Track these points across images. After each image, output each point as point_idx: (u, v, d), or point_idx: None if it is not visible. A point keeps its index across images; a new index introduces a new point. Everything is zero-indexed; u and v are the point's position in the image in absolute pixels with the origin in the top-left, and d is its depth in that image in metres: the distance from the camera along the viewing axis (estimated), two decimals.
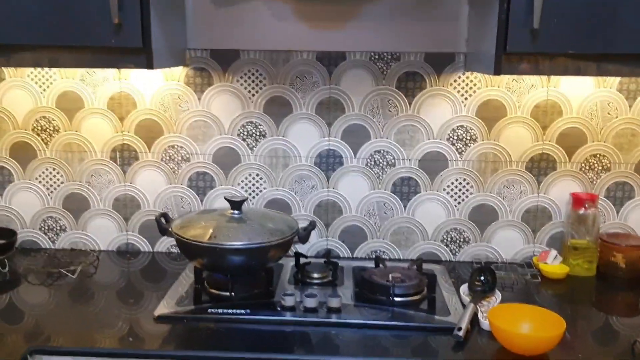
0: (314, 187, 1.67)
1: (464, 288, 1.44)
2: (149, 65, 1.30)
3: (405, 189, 1.65)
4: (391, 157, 1.64)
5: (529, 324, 1.20)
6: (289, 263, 1.58)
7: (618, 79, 1.55)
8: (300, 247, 1.59)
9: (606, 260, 1.58)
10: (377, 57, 1.59)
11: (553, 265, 1.58)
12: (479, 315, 1.29)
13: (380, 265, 1.54)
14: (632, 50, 1.24)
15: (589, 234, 1.57)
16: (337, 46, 1.58)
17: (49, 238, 1.73)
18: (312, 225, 1.47)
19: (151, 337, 1.22)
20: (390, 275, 1.42)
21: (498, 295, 1.40)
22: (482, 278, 1.45)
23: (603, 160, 1.61)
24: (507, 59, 1.27)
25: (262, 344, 1.20)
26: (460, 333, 1.20)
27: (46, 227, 1.72)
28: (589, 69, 1.29)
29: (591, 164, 1.61)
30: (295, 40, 1.58)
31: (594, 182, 1.62)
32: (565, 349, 1.17)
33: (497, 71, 1.29)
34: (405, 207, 1.66)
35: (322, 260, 1.56)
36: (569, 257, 1.59)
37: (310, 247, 1.68)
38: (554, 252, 1.59)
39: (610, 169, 1.61)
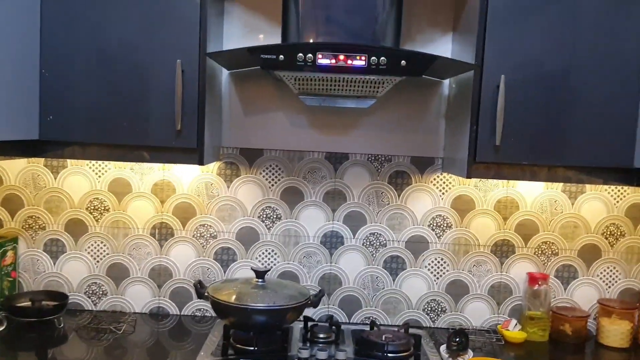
0: (319, 262, 2.01)
1: (443, 347, 1.77)
2: (200, 162, 1.67)
3: (394, 265, 2.01)
4: (383, 239, 2.00)
5: None
6: (297, 325, 1.89)
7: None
8: (307, 312, 1.92)
9: (557, 328, 1.94)
10: (373, 158, 1.99)
11: (514, 332, 1.93)
12: None
13: (375, 328, 1.87)
14: (575, 163, 1.66)
15: (542, 307, 1.94)
16: (342, 149, 1.98)
17: (92, 301, 2.02)
18: (322, 293, 1.81)
19: None
20: (383, 336, 1.75)
21: (470, 353, 1.74)
22: (458, 339, 1.79)
23: (552, 247, 2.00)
24: (475, 167, 1.68)
25: None
26: None
27: (90, 292, 2.02)
28: (540, 176, 1.70)
29: (543, 249, 2.00)
30: (308, 143, 1.98)
31: (546, 264, 2.01)
32: None
33: (469, 175, 1.69)
34: (393, 280, 2.01)
35: (326, 323, 1.88)
36: (526, 325, 1.94)
37: (314, 313, 2.00)
38: (514, 321, 1.95)
39: (558, 254, 2.00)
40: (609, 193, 1.98)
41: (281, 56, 1.51)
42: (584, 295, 2.01)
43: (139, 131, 1.65)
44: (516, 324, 1.95)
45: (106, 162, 1.98)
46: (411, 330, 1.87)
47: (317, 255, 2.01)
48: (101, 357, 1.63)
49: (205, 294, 1.74)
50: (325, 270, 2.02)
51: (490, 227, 2.00)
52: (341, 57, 1.52)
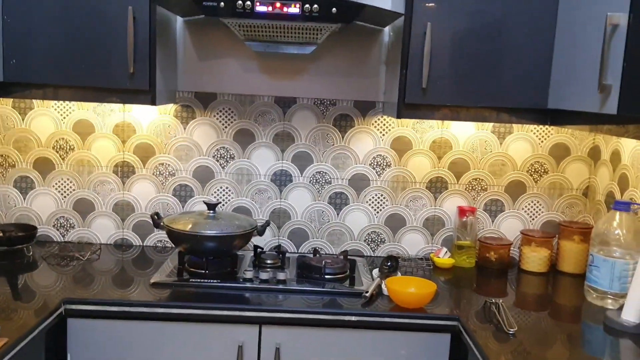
0: (269, 198, 2.20)
1: (375, 270, 1.98)
2: (153, 102, 1.83)
3: (338, 201, 2.20)
4: (328, 177, 2.19)
5: (413, 288, 1.76)
6: (248, 254, 2.09)
7: (492, 123, 2.16)
8: (257, 241, 2.11)
9: (483, 256, 2.15)
10: (319, 102, 2.15)
11: (443, 258, 2.14)
12: (382, 286, 1.83)
13: (317, 255, 2.07)
14: (496, 104, 1.83)
15: (469, 236, 2.15)
16: (290, 93, 2.14)
17: (60, 233, 2.20)
18: (267, 223, 2.00)
19: (149, 295, 1.71)
20: (323, 261, 1.95)
21: (398, 275, 1.95)
22: (389, 263, 2.00)
23: (482, 183, 2.20)
24: (405, 108, 1.85)
25: (228, 302, 1.70)
26: (367, 294, 1.74)
27: (58, 225, 2.19)
28: (464, 116, 1.87)
29: (473, 185, 2.20)
30: (258, 87, 2.14)
31: (476, 199, 2.20)
32: (436, 304, 1.72)
33: (399, 115, 1.86)
34: (338, 214, 2.21)
35: (274, 252, 2.08)
36: (455, 253, 2.15)
37: (265, 244, 2.20)
38: (444, 250, 2.16)
39: (487, 190, 2.20)
40: (534, 133, 2.16)
41: (221, 3, 1.65)
42: (509, 227, 2.22)
43: (96, 73, 1.79)
44: (446, 252, 2.16)
45: (70, 104, 2.13)
46: (351, 258, 2.07)
47: (268, 192, 2.20)
48: (68, 281, 1.82)
49: (161, 224, 1.92)
50: (275, 206, 2.21)
51: (425, 166, 2.18)
52: (277, 4, 1.67)
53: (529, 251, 2.13)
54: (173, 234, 1.89)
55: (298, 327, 1.67)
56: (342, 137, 2.17)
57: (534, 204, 2.21)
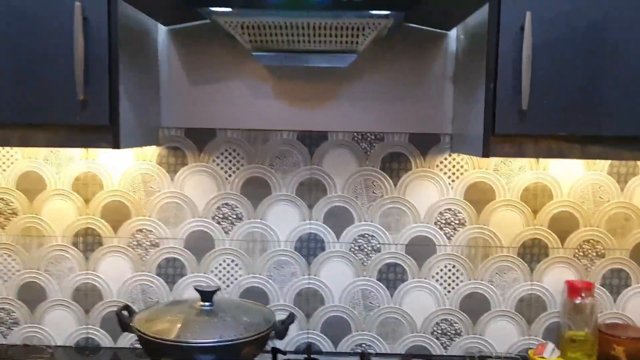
0: (294, 274, 1.55)
1: None
2: (116, 144, 1.21)
3: (392, 276, 1.54)
4: (376, 242, 1.54)
5: None
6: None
7: (608, 162, 1.51)
8: (278, 343, 1.45)
9: (606, 353, 1.47)
10: (360, 137, 1.52)
11: (551, 359, 1.46)
12: None
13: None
14: (617, 133, 1.19)
15: (587, 325, 1.47)
16: (318, 126, 1.52)
17: (1, 333, 1.56)
18: (290, 319, 1.35)
19: None
20: None
21: None
22: None
23: (597, 246, 1.53)
24: (495, 141, 1.21)
25: None
26: None
27: None
28: (574, 152, 1.23)
29: (585, 249, 1.53)
30: (275, 119, 1.52)
31: (589, 269, 1.54)
32: None
33: (486, 153, 1.22)
34: (392, 295, 1.55)
35: (302, 357, 1.42)
36: (567, 350, 1.48)
37: (289, 342, 1.54)
38: (551, 345, 1.48)
39: (605, 255, 1.53)
40: None
41: None
42: (638, 306, 1.54)
43: (37, 105, 1.19)
44: (554, 349, 1.48)
45: (12, 152, 1.52)
46: None
47: (291, 266, 1.55)
48: None
49: (131, 325, 1.28)
50: (302, 285, 1.55)
51: (516, 223, 1.53)
52: None
53: None
54: (147, 344, 1.24)
55: None
56: (395, 186, 1.53)
57: None
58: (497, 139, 1.21)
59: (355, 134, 1.52)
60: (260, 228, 1.54)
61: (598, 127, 1.18)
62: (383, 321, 1.55)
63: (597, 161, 1.51)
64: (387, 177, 1.53)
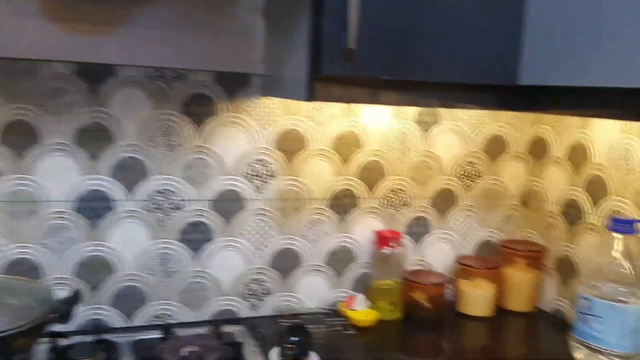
0: (73, 240, 1.27)
1: (273, 354, 1.20)
2: None
3: (196, 236, 1.36)
4: (177, 197, 1.33)
5: None
6: (38, 348, 1.16)
7: (417, 110, 1.49)
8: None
9: (410, 300, 1.49)
10: (156, 74, 1.28)
11: (361, 311, 1.43)
12: None
13: (170, 335, 1.22)
14: (446, 78, 1.15)
15: (394, 274, 1.47)
16: (104, 57, 1.23)
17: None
18: (76, 296, 1.09)
19: None
20: (186, 350, 1.12)
21: (315, 358, 1.19)
22: (295, 339, 1.23)
23: (401, 195, 1.53)
24: (322, 83, 1.09)
25: None
26: None
27: None
28: (400, 99, 1.17)
29: (390, 198, 1.52)
30: (45, 46, 1.19)
31: (395, 218, 1.53)
32: None
33: (311, 96, 1.09)
34: (196, 257, 1.37)
35: (89, 339, 1.18)
36: (375, 299, 1.47)
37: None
38: (361, 297, 1.45)
39: (409, 204, 1.54)
40: (466, 122, 1.55)
41: None
42: (437, 253, 1.59)
43: None
44: (363, 300, 1.46)
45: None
46: (227, 329, 1.26)
47: (70, 230, 1.27)
48: None
49: None
50: (85, 253, 1.28)
51: (328, 174, 1.44)
52: None
53: (469, 288, 1.53)
54: None
55: None
56: (199, 132, 1.33)
57: (466, 220, 1.61)
58: (322, 82, 1.09)
59: (151, 70, 1.27)
60: (29, 186, 1.22)
61: (423, 73, 1.12)
62: (187, 287, 1.37)
63: (406, 109, 1.49)
64: (190, 123, 1.32)
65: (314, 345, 1.22)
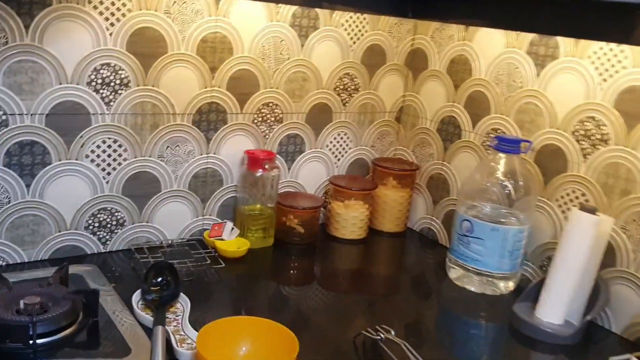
0: None
1: (136, 298, 1.02)
2: None
3: (26, 160, 1.09)
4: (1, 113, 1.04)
5: (251, 345, 0.89)
6: None
7: (292, 13, 1.30)
8: None
9: (283, 224, 1.37)
10: None
11: (230, 240, 1.29)
12: (172, 340, 0.91)
13: (3, 286, 0.98)
14: None
15: (267, 198, 1.33)
16: None
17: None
18: None
19: None
20: (23, 302, 0.90)
21: (185, 300, 1.03)
22: (160, 280, 1.06)
23: (275, 111, 1.36)
24: None
25: None
26: None
27: None
28: None
29: (264, 114, 1.35)
30: None
31: (267, 137, 1.37)
32: None
33: None
34: (27, 187, 1.10)
35: None
36: (246, 226, 1.32)
37: None
38: (229, 225, 1.30)
39: (283, 121, 1.39)
40: (345, 29, 1.40)
41: None
42: (310, 174, 1.48)
43: None
44: (233, 229, 1.31)
45: None
46: (73, 270, 1.05)
47: None
48: None
49: None
50: None
51: (192, 84, 1.22)
52: None
53: (342, 209, 1.44)
54: None
55: None
56: (26, 31, 1.02)
57: (342, 137, 1.50)
58: None
59: None
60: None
61: None
62: (15, 223, 1.11)
63: (282, 9, 1.29)
64: (13, 16, 1.01)
65: (182, 285, 1.07)
